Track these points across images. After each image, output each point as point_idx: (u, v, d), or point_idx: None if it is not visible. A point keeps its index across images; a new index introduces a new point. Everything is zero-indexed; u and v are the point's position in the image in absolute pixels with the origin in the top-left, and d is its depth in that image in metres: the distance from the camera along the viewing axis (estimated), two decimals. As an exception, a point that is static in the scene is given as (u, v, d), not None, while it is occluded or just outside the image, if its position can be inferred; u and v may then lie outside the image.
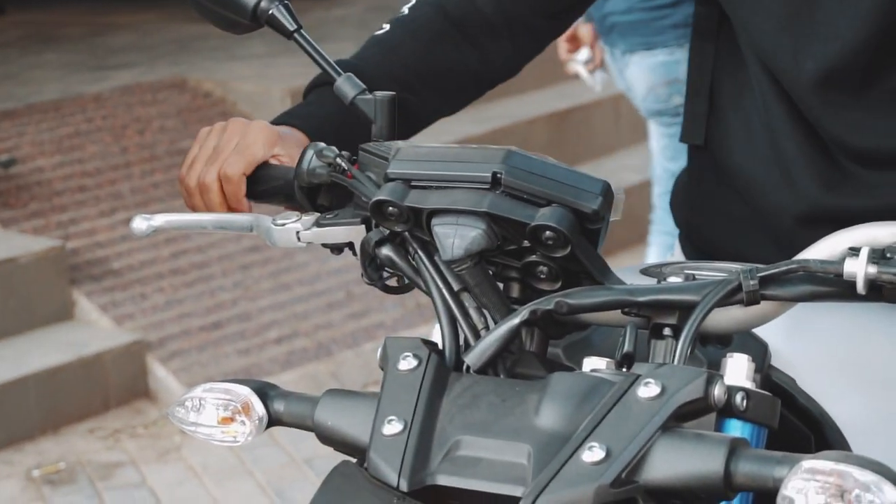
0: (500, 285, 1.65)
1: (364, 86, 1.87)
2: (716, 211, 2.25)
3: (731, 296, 1.51)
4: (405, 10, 2.17)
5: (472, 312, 1.61)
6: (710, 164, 2.26)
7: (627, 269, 1.66)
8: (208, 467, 4.88)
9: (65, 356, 5.26)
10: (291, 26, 1.90)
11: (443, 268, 1.60)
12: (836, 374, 1.80)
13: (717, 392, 1.44)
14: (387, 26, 2.16)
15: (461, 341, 1.60)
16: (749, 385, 1.50)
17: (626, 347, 1.54)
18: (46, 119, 6.30)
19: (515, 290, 1.65)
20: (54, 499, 4.71)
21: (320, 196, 1.83)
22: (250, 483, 4.77)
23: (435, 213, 1.56)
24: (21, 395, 5.10)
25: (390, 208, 1.57)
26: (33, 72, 7.09)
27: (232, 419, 1.60)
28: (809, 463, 1.32)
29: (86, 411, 5.23)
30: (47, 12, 8.79)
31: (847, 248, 1.49)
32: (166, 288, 5.71)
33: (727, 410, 1.48)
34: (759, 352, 1.58)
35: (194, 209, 1.95)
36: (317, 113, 2.01)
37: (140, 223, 1.86)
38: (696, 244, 2.29)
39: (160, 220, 1.88)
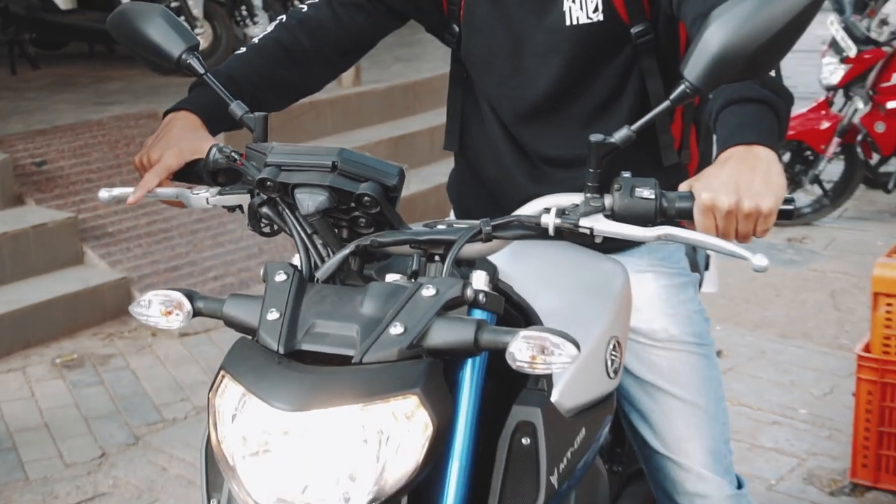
0: (336, 230, 1.64)
1: (248, 108, 1.84)
2: (472, 198, 2.31)
3: (476, 236, 1.58)
4: (255, 40, 2.16)
5: (320, 247, 1.62)
6: (467, 166, 2.31)
7: (416, 224, 1.67)
8: (169, 357, 4.88)
9: (77, 287, 5.24)
10: (202, 70, 1.86)
11: (301, 219, 1.62)
12: (536, 282, 1.82)
13: (468, 293, 1.49)
14: (244, 49, 2.14)
15: (312, 264, 1.61)
16: (486, 289, 1.54)
17: (414, 267, 1.59)
18: (66, 136, 6.20)
19: (345, 234, 1.65)
20: (69, 377, 4.69)
21: (219, 177, 1.83)
22: (196, 368, 4.76)
23: (296, 186, 1.59)
24: (49, 311, 5.08)
25: (269, 183, 1.59)
26: (57, 105, 6.90)
27: (170, 312, 1.59)
28: (524, 332, 1.40)
29: (91, 322, 5.21)
30: (66, 67, 8.48)
31: (543, 208, 1.60)
32: (143, 244, 5.66)
33: (474, 304, 1.52)
34: (491, 270, 1.61)
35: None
36: (206, 102, 1.96)
37: (104, 193, 1.90)
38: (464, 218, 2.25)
39: (117, 191, 1.90)
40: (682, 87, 1.54)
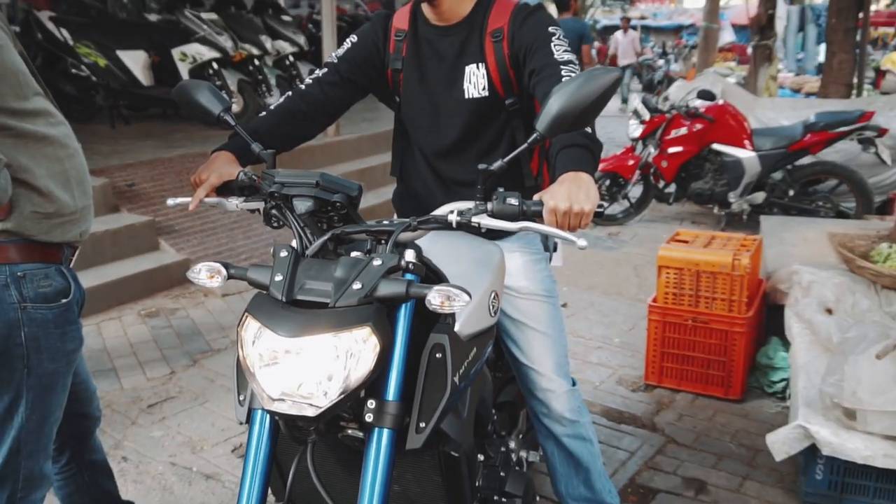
0: (319, 224, 1.63)
1: (262, 147, 1.83)
2: (408, 206, 2.26)
3: (407, 228, 1.58)
4: (271, 106, 2.11)
5: (309, 235, 1.62)
6: (404, 186, 2.28)
7: (371, 221, 1.66)
8: (215, 309, 4.79)
9: (155, 265, 5.11)
10: (233, 123, 1.84)
11: (296, 217, 1.62)
12: (445, 257, 1.80)
13: (402, 263, 1.51)
14: (264, 113, 2.10)
15: (304, 246, 1.60)
16: (414, 260, 1.54)
17: (368, 248, 1.58)
18: (147, 167, 6.02)
19: (325, 226, 1.64)
20: (150, 322, 4.58)
21: (245, 191, 1.83)
22: (233, 316, 4.66)
23: (293, 196, 1.59)
24: (136, 280, 4.94)
25: (276, 194, 1.60)
26: (141, 148, 6.68)
27: (213, 276, 1.58)
28: (437, 287, 1.42)
29: (164, 287, 5.08)
30: (147, 123, 8.23)
31: (449, 210, 1.61)
32: (198, 236, 5.51)
33: (406, 270, 1.53)
34: (418, 249, 1.59)
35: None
36: (237, 145, 1.93)
37: (170, 201, 1.88)
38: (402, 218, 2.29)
39: (179, 200, 1.87)
40: (535, 135, 1.57)
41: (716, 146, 6.36)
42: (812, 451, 2.64)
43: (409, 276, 1.55)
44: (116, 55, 7.77)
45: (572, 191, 1.58)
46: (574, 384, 2.27)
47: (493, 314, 1.84)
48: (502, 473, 2.03)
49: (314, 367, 1.41)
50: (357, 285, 1.45)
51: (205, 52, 7.83)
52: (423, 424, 1.55)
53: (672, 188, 6.81)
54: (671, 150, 6.46)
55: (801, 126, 6.13)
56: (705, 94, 6.34)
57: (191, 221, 5.67)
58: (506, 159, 1.59)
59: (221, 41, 7.94)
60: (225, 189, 1.87)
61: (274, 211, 1.68)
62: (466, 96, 2.03)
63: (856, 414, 2.40)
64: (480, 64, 2.01)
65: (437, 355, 1.58)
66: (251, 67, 8.22)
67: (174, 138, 7.42)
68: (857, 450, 2.42)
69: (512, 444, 2.37)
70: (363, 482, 1.50)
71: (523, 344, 2.20)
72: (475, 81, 2.02)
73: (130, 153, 6.55)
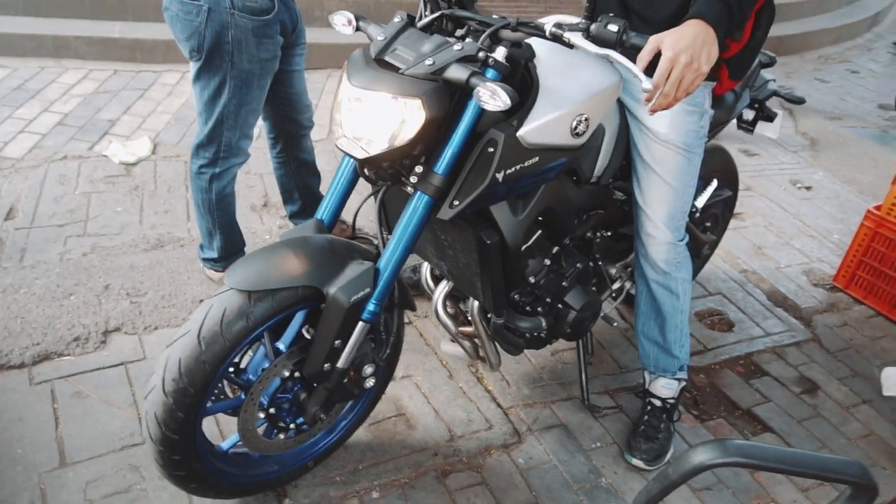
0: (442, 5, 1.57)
1: None
2: None
3: (506, 27, 1.44)
4: None
5: (429, 9, 1.56)
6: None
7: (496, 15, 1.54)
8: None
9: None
10: None
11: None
12: (555, 68, 1.58)
13: (480, 55, 1.39)
14: None
15: (419, 18, 1.55)
16: (498, 58, 1.41)
17: (463, 34, 1.51)
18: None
19: (446, 9, 1.56)
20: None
21: None
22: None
23: None
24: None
25: None
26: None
27: (345, 24, 1.53)
28: (486, 83, 1.31)
29: None
30: None
31: (550, 19, 1.45)
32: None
33: (486, 64, 1.40)
34: (529, 51, 1.48)
35: None
36: None
37: None
38: None
39: None
40: None
41: None
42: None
43: (488, 71, 1.42)
44: None
45: (697, 44, 1.34)
46: (681, 240, 2.00)
47: (574, 135, 1.62)
48: (565, 284, 1.91)
49: (371, 119, 1.40)
50: (429, 61, 1.38)
51: None
52: (456, 203, 1.50)
53: None
54: None
55: None
56: None
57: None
58: None
59: None
60: None
61: None
62: None
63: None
64: None
65: (489, 149, 1.47)
66: None
67: None
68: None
69: (613, 271, 2.20)
70: (395, 229, 1.52)
71: (644, 186, 1.96)
72: None
73: None
